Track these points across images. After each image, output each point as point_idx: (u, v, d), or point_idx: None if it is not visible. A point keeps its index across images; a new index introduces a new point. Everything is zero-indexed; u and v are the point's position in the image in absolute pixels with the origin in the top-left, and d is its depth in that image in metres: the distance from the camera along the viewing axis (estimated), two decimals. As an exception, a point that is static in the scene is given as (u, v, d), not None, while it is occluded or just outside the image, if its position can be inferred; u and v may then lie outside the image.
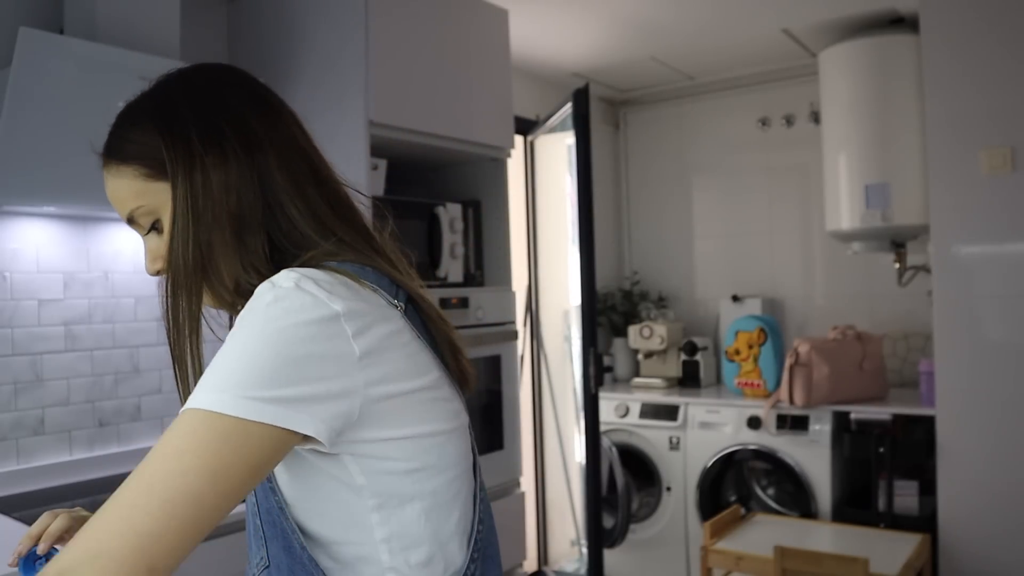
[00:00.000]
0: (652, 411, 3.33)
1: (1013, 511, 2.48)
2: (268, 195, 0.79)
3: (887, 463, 2.75)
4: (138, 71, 1.76)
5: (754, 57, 3.46)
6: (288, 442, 0.67)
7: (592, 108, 2.94)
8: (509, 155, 2.49)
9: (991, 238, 2.53)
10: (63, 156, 1.74)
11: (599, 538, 2.79)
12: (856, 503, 2.95)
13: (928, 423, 2.68)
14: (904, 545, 2.43)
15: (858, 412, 2.86)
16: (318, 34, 2.12)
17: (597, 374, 2.72)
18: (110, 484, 1.97)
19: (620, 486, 3.19)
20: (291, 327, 0.67)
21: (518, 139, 3.33)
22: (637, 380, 3.61)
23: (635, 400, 3.37)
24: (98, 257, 2.07)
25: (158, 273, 0.83)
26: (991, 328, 2.53)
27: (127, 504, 0.62)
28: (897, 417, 2.80)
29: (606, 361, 3.74)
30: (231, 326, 0.80)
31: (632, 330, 3.59)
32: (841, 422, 2.94)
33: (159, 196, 0.80)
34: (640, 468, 3.36)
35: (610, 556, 3.28)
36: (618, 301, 3.89)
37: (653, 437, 3.31)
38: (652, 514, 3.33)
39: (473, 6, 2.37)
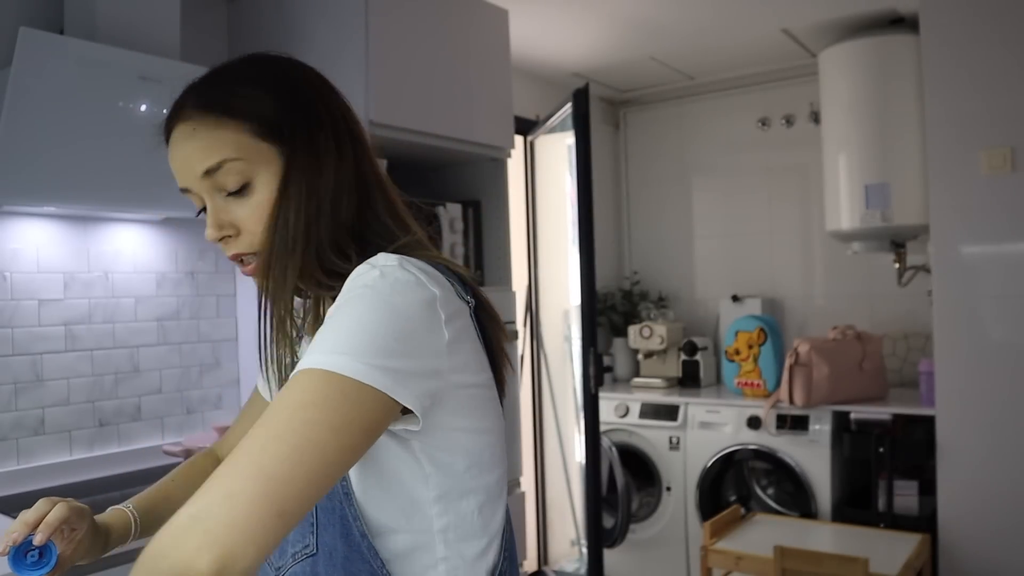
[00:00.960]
0: (652, 411, 3.33)
1: (1013, 511, 2.48)
2: (360, 184, 0.83)
3: (887, 463, 2.75)
4: (138, 71, 1.77)
5: (754, 57, 3.46)
6: (392, 411, 0.68)
7: (592, 108, 2.94)
8: (509, 155, 2.49)
9: (991, 238, 2.53)
10: (63, 156, 1.74)
11: (599, 538, 2.79)
12: (856, 503, 2.95)
13: (928, 423, 2.68)
14: (904, 545, 2.43)
15: (858, 412, 2.86)
16: (318, 34, 2.12)
17: (597, 374, 2.72)
18: (110, 484, 1.98)
19: (620, 486, 3.19)
20: (400, 303, 0.70)
21: (518, 139, 3.33)
22: (637, 380, 3.61)
23: (635, 400, 3.37)
24: (98, 257, 2.07)
25: (221, 240, 0.81)
26: (991, 328, 2.53)
27: (257, 450, 0.62)
28: (897, 417, 2.80)
29: (606, 361, 3.74)
30: (308, 312, 0.84)
31: (632, 330, 3.59)
32: (841, 422, 2.94)
33: (260, 156, 0.79)
34: (640, 468, 3.36)
35: (610, 556, 3.28)
36: (618, 301, 3.89)
37: (653, 437, 3.31)
38: (652, 514, 3.33)
39: (473, 6, 2.37)
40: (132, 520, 0.98)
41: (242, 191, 0.79)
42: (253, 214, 0.80)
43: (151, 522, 0.97)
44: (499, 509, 0.82)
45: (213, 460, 1.08)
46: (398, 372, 0.67)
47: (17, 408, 1.91)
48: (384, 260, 0.73)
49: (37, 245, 1.96)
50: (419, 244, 0.83)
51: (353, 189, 0.82)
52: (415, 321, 0.70)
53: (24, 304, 1.93)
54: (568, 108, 2.87)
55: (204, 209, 0.82)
